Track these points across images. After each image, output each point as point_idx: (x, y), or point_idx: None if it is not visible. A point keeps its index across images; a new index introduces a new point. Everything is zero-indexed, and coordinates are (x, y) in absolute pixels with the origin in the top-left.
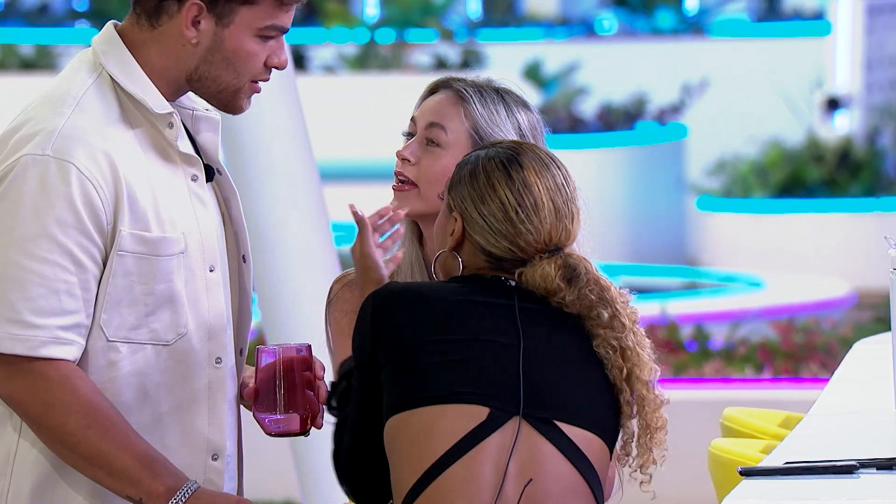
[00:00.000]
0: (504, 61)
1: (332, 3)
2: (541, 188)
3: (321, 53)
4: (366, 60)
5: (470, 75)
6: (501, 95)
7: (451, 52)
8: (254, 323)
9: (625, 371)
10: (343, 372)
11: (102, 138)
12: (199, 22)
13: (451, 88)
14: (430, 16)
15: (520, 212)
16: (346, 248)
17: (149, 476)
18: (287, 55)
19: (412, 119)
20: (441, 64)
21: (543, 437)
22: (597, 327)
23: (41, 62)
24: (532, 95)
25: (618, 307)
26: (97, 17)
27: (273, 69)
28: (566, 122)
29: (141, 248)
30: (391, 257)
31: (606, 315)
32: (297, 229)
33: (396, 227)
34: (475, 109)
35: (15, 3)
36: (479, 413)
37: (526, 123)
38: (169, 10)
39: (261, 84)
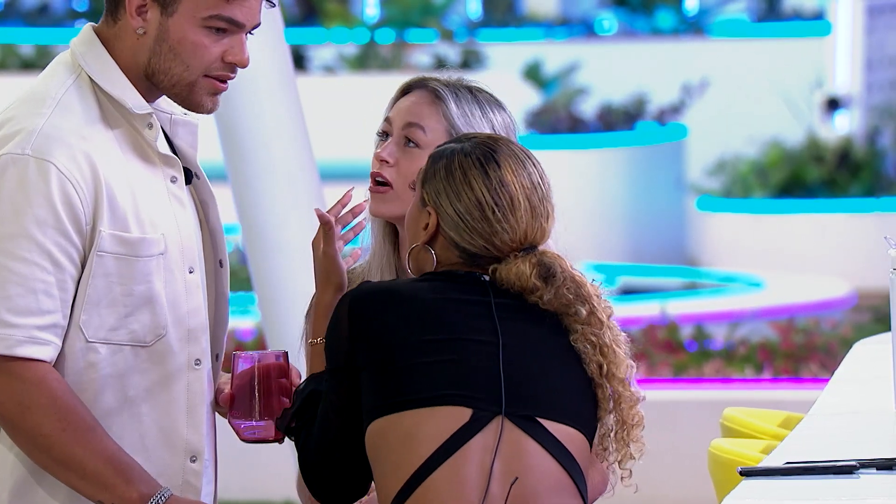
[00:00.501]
0: (504, 61)
1: (332, 3)
2: (517, 186)
3: (321, 53)
4: (366, 60)
5: (443, 74)
6: (475, 94)
7: (451, 52)
8: (253, 323)
9: (603, 368)
10: (299, 397)
11: (82, 139)
12: (145, 11)
13: (426, 88)
14: (430, 16)
15: (496, 211)
16: (348, 248)
17: (122, 482)
18: (247, 53)
19: (387, 120)
20: (441, 64)
21: (527, 434)
22: (574, 323)
23: (41, 62)
24: (532, 95)
25: (594, 303)
26: (97, 18)
27: (238, 68)
28: (566, 122)
29: (120, 248)
30: (351, 253)
31: (584, 312)
32: (297, 229)
33: (359, 219)
34: (451, 108)
35: (15, 3)
36: (462, 414)
37: (500, 123)
38: (124, 2)
39: (260, 85)
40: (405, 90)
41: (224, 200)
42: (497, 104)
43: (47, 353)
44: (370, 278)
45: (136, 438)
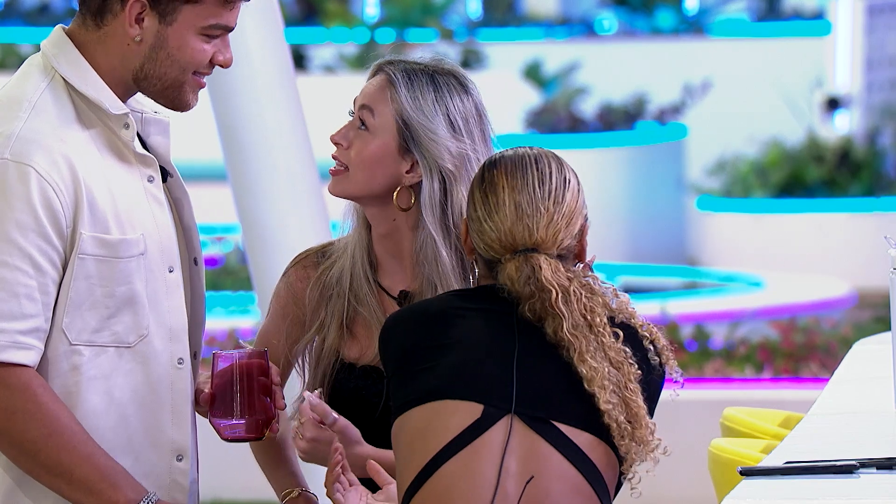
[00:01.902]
0: (504, 61)
1: (332, 3)
2: (505, 187)
3: (321, 53)
4: (366, 60)
5: (415, 56)
6: (434, 79)
7: (451, 52)
8: (253, 323)
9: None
10: None
11: (60, 141)
12: (142, 19)
13: (383, 71)
14: (430, 16)
15: (483, 209)
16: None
17: (109, 487)
18: (231, 53)
19: (354, 101)
20: None
21: (540, 436)
22: (553, 335)
23: None
24: (532, 95)
25: (563, 313)
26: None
27: (223, 67)
28: (566, 122)
29: (101, 250)
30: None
31: (550, 331)
32: (297, 229)
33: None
34: (401, 93)
35: (15, 3)
36: (474, 410)
37: (458, 110)
38: (113, 8)
39: (260, 85)
40: (374, 72)
41: (224, 200)
42: (461, 90)
43: (30, 357)
44: (345, 255)
45: (124, 440)
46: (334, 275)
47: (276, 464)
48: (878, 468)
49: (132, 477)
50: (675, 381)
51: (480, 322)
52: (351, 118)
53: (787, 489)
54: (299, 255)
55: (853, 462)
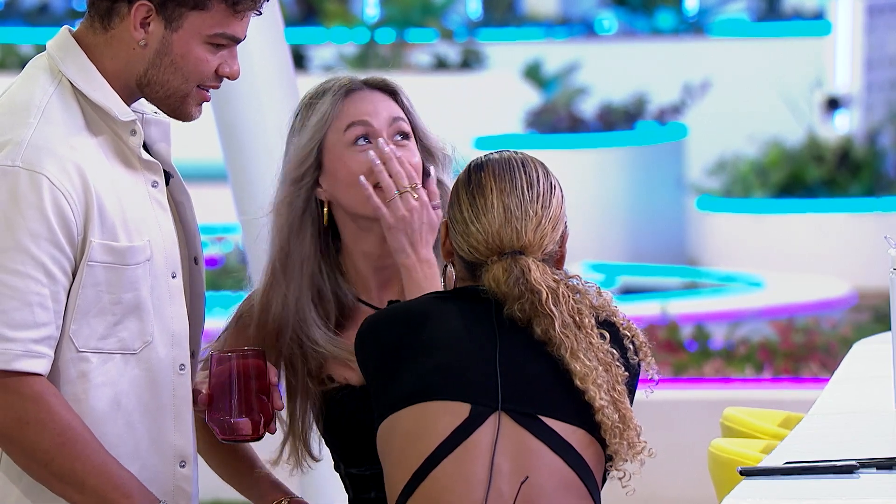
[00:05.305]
0: (504, 61)
1: (332, 3)
2: (493, 189)
3: (321, 53)
4: (366, 60)
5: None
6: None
7: (451, 52)
8: None
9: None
10: None
11: (70, 148)
12: (148, 24)
13: (385, 85)
14: (430, 16)
15: (470, 211)
16: None
17: (122, 496)
18: (239, 65)
19: (358, 123)
20: (441, 64)
21: (528, 432)
22: (543, 335)
23: None
24: (532, 95)
25: (554, 313)
26: None
27: (224, 78)
28: (566, 122)
29: (110, 257)
30: None
31: (539, 331)
32: None
33: None
34: (404, 99)
35: (15, 3)
36: (461, 410)
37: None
38: (120, 11)
39: (260, 85)
40: (359, 89)
41: (224, 200)
42: None
43: (42, 365)
44: (285, 311)
45: (131, 447)
46: (287, 339)
47: (251, 482)
48: (878, 468)
49: (144, 486)
50: (651, 380)
51: (462, 322)
52: (365, 142)
53: (787, 489)
54: (236, 314)
55: (853, 462)
